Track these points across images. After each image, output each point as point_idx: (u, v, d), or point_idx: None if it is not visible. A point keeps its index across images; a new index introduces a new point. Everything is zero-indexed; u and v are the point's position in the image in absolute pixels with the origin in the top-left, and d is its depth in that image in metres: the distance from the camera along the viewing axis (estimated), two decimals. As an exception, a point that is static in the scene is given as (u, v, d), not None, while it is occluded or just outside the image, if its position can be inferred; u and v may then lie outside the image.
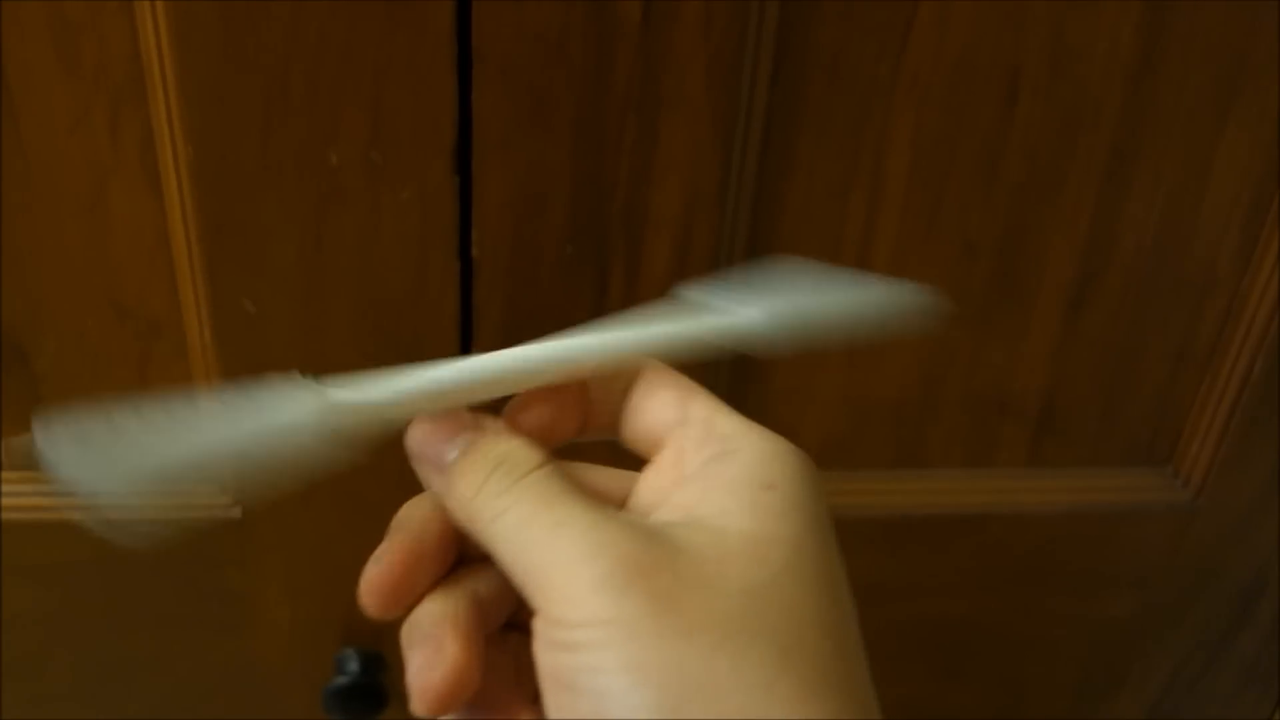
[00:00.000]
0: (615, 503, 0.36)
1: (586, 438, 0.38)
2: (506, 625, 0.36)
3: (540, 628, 0.30)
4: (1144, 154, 0.66)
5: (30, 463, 0.33)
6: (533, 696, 0.33)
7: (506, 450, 0.33)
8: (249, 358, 0.65)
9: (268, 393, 0.34)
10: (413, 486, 0.37)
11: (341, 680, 0.76)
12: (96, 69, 0.57)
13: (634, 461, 0.37)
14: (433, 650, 0.33)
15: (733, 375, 0.70)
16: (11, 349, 0.65)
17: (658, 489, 0.35)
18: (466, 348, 0.66)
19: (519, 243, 0.63)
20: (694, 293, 0.37)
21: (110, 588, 0.74)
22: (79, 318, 0.65)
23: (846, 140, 0.63)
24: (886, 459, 0.76)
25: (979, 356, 0.72)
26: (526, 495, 0.32)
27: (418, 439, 0.35)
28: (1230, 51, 0.63)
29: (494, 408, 0.36)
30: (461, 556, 0.36)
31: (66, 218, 0.61)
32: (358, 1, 0.55)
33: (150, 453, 0.33)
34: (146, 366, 0.67)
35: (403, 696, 0.34)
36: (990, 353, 0.72)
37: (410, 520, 0.35)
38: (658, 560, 0.30)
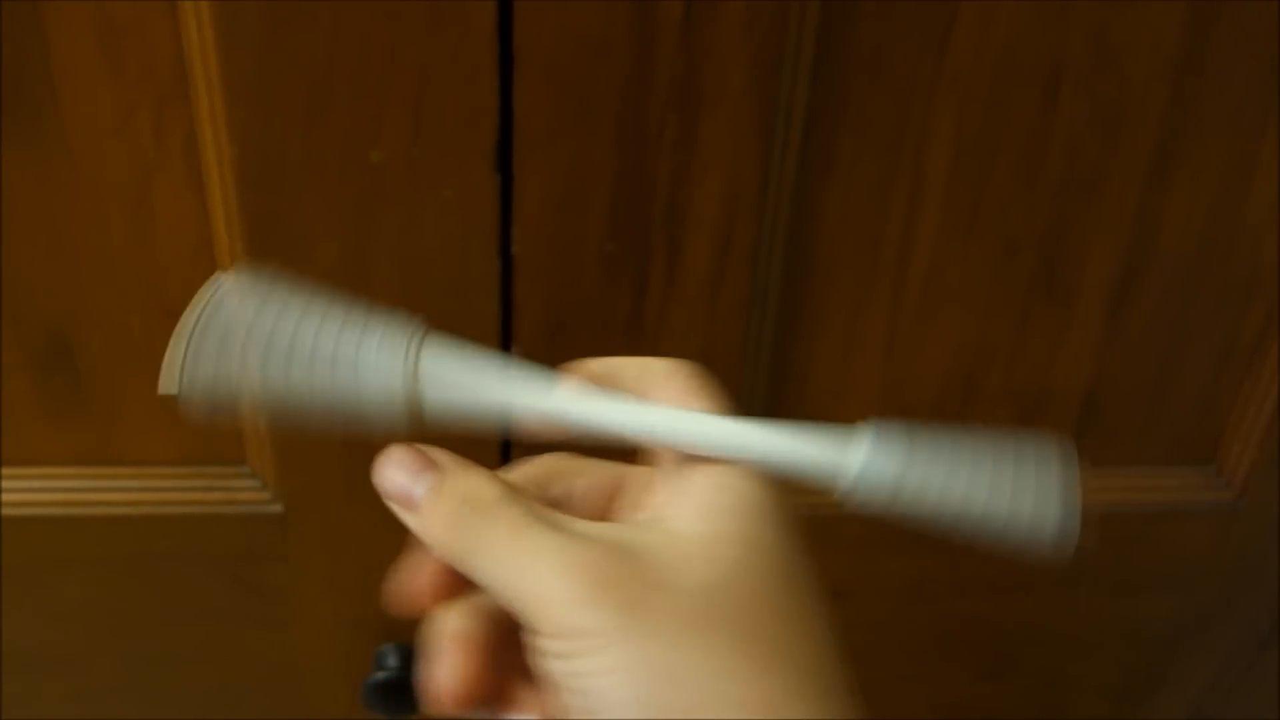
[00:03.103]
0: (606, 493, 0.40)
1: None
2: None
3: (531, 640, 0.34)
4: (1187, 151, 0.65)
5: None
6: (541, 685, 0.36)
7: (469, 488, 0.36)
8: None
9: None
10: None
11: (381, 675, 0.77)
12: (141, 69, 0.57)
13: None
14: (449, 664, 0.37)
15: (772, 373, 0.70)
16: (57, 344, 0.66)
17: (642, 483, 0.40)
18: (506, 345, 0.66)
19: (559, 240, 0.63)
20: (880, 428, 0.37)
21: (156, 582, 0.75)
22: (123, 314, 0.65)
23: (887, 138, 0.63)
24: (926, 458, 0.75)
25: (1020, 354, 0.71)
26: (494, 529, 0.35)
27: (385, 477, 0.37)
28: (1275, 47, 0.62)
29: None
30: None
31: (111, 216, 0.62)
32: (400, 1, 0.55)
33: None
34: (190, 363, 0.67)
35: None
36: (1031, 350, 0.72)
37: None
38: (622, 571, 0.33)
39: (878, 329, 0.69)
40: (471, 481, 0.36)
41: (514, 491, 0.36)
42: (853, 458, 0.36)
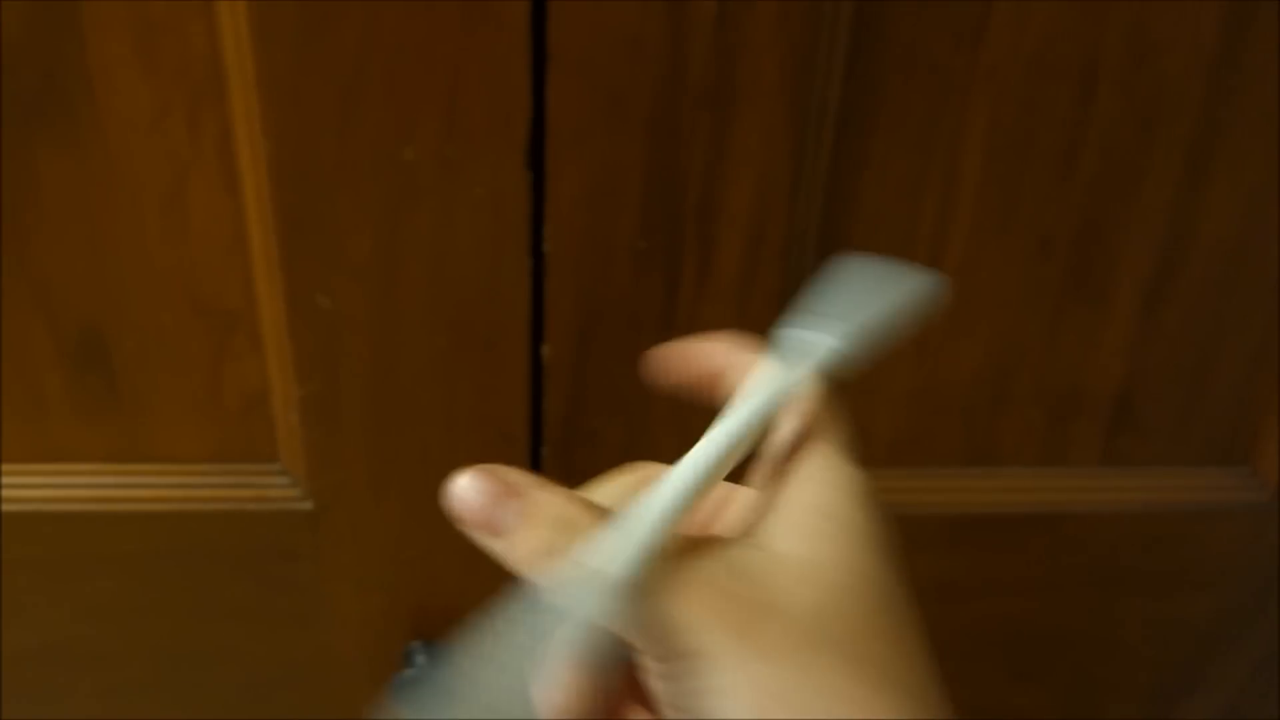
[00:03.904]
0: (716, 500, 0.40)
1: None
2: None
3: (641, 662, 0.34)
4: (1224, 148, 0.65)
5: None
6: (645, 698, 0.36)
7: (560, 511, 0.35)
8: (324, 353, 0.66)
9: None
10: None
11: (410, 673, 0.77)
12: (177, 67, 0.58)
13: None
14: (559, 680, 0.36)
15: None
16: (91, 341, 0.66)
17: (738, 501, 0.40)
18: (538, 342, 0.66)
19: (591, 238, 0.63)
20: (788, 331, 0.39)
21: (186, 579, 0.75)
22: (157, 311, 0.65)
23: (920, 135, 0.63)
24: (957, 456, 0.75)
25: (1053, 353, 0.71)
26: None
27: (463, 502, 0.35)
28: (1314, 44, 0.62)
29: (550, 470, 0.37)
30: None
31: (146, 213, 0.62)
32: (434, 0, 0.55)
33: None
34: (222, 360, 0.67)
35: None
36: (1064, 349, 0.71)
37: None
38: (729, 594, 0.33)
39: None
40: (563, 504, 0.35)
41: (605, 513, 0.35)
42: (824, 346, 0.38)
